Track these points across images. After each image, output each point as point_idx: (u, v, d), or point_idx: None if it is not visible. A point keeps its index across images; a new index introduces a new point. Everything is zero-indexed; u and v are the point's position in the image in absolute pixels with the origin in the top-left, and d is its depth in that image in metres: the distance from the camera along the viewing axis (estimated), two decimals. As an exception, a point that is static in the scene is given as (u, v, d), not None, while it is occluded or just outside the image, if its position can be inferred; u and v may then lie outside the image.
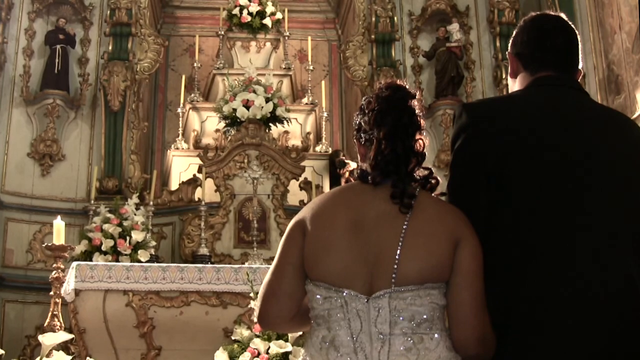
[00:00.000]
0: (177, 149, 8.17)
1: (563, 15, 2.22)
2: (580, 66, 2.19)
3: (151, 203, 7.10)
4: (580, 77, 2.21)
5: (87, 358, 4.99)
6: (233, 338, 4.69)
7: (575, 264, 1.86)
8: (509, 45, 2.24)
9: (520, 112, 2.03)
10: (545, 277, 1.86)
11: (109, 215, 6.73)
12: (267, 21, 8.87)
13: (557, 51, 2.12)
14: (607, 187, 1.94)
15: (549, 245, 1.88)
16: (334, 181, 7.65)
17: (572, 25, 2.19)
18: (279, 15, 8.99)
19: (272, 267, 1.99)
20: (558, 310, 1.83)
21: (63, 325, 5.61)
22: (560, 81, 2.10)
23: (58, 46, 8.24)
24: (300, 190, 7.46)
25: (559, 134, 1.98)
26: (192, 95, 8.58)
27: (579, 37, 2.21)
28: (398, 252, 1.82)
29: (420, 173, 1.96)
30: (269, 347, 4.45)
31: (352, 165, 2.25)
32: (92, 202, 7.32)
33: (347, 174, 2.12)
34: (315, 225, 1.92)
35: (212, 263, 6.42)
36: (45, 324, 5.64)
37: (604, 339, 1.82)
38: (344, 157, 7.68)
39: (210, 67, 9.09)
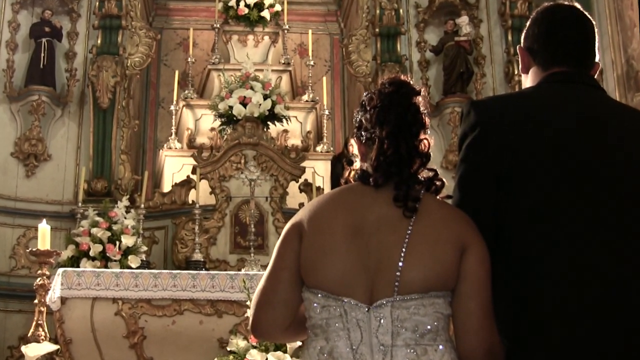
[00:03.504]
0: (170, 148, 8.16)
1: (578, 6, 2.21)
2: (597, 59, 2.18)
3: (142, 206, 7.10)
4: (598, 73, 2.20)
5: (74, 370, 4.99)
6: (228, 349, 4.70)
7: (590, 272, 1.84)
8: (522, 38, 2.23)
9: (531, 110, 2.02)
10: (557, 285, 1.85)
11: (97, 218, 6.72)
12: (266, 13, 8.86)
13: (570, 45, 2.11)
14: (623, 188, 1.93)
15: (560, 251, 1.87)
16: (335, 183, 7.65)
17: (589, 17, 2.18)
18: (278, 8, 8.98)
19: (266, 272, 1.98)
20: (569, 319, 1.82)
21: (48, 335, 5.62)
22: (573, 77, 2.09)
23: (44, 40, 8.23)
24: (300, 192, 7.46)
25: (571, 133, 1.97)
26: (186, 91, 8.57)
27: (595, 29, 2.20)
28: (402, 258, 1.81)
29: (424, 174, 1.96)
30: (267, 359, 4.45)
31: None
32: (80, 204, 7.32)
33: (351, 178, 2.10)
34: (312, 229, 1.91)
35: (206, 269, 6.42)
36: (29, 334, 5.64)
37: (617, 352, 1.81)
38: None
39: (205, 62, 9.08)
